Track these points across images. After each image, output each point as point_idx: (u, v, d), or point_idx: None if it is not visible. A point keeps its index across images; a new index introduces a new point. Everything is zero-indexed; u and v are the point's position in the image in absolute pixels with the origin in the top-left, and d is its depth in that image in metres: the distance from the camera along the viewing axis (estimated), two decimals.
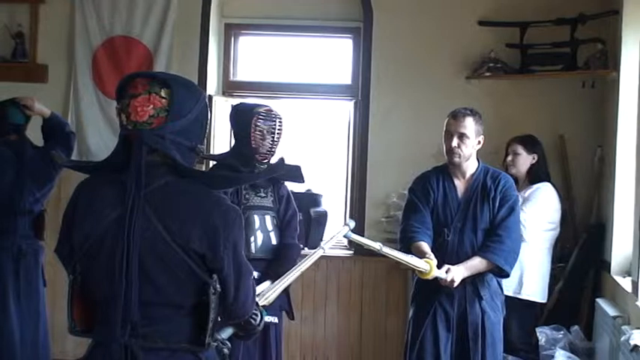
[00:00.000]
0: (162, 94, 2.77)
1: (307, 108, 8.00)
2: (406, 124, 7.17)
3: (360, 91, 7.36)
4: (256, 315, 3.13)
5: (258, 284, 3.42)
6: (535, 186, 6.26)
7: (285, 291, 4.72)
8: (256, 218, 5.25)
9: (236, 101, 7.34)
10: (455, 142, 4.97)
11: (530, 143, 6.41)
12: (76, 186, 2.93)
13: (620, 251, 6.03)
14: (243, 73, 7.87)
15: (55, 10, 7.53)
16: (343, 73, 7.67)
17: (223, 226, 2.76)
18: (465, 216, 5.01)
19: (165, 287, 2.72)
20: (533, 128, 6.71)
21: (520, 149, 6.37)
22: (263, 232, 5.28)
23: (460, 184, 5.10)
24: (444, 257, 4.86)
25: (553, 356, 5.81)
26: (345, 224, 4.81)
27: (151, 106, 2.75)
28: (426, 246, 4.89)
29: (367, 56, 7.30)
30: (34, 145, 6.15)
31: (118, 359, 2.71)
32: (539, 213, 6.10)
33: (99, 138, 7.36)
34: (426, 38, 7.20)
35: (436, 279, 4.76)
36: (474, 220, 4.99)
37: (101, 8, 7.43)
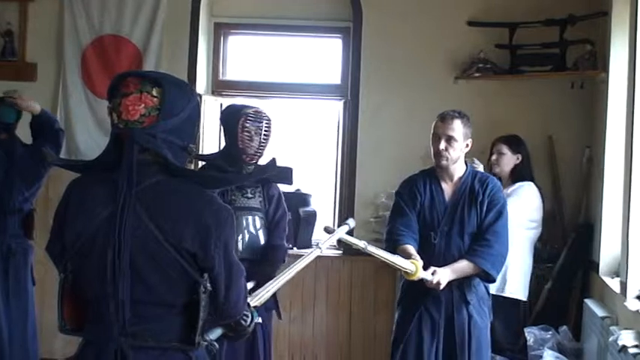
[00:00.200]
0: (154, 93, 2.77)
1: (297, 108, 7.99)
2: (395, 124, 7.17)
3: (350, 90, 7.36)
4: (247, 316, 3.13)
5: None
6: (518, 184, 6.30)
7: None
8: (242, 219, 5.25)
9: (225, 101, 7.40)
10: (442, 144, 4.90)
11: (515, 143, 6.45)
12: (67, 185, 2.93)
13: (608, 252, 6.05)
14: (232, 72, 7.86)
15: (44, 9, 7.51)
16: (333, 73, 7.67)
17: (215, 225, 2.76)
18: (452, 219, 4.95)
19: (156, 286, 2.72)
20: (522, 129, 6.73)
21: (505, 149, 6.41)
22: (249, 232, 5.28)
23: (447, 188, 5.04)
24: (431, 261, 4.79)
25: (541, 356, 5.82)
26: (345, 223, 4.82)
27: (143, 105, 2.75)
28: (411, 248, 4.84)
29: (357, 56, 7.30)
30: (24, 143, 6.13)
31: (108, 358, 2.72)
32: (520, 210, 6.10)
33: (87, 136, 7.35)
34: (416, 38, 7.20)
35: (422, 281, 4.70)
36: (461, 224, 4.93)
37: (90, 7, 7.41)
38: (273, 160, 5.16)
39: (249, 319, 3.15)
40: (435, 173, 5.08)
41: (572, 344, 6.10)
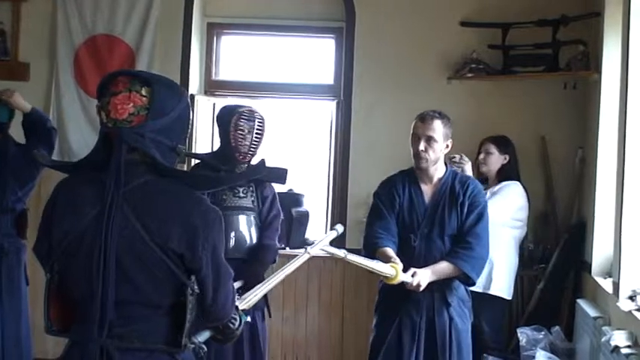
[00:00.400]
0: (143, 92, 2.76)
1: (289, 108, 7.99)
2: (388, 124, 7.16)
3: (343, 91, 7.36)
4: (235, 319, 3.11)
5: None
6: (504, 183, 6.32)
7: None
8: (233, 218, 5.26)
9: (218, 101, 7.42)
10: (422, 145, 4.82)
11: (503, 144, 6.47)
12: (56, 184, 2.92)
13: (600, 252, 6.05)
14: (225, 72, 7.86)
15: (37, 8, 7.50)
16: (326, 73, 7.67)
17: (203, 226, 2.75)
18: (432, 222, 4.87)
19: (143, 286, 2.71)
20: (515, 129, 6.74)
21: (493, 149, 6.43)
22: (239, 232, 5.30)
23: (427, 189, 4.96)
24: (411, 263, 4.71)
25: (534, 357, 5.82)
26: (334, 229, 4.80)
27: (131, 104, 2.75)
28: (390, 251, 4.75)
29: (350, 56, 7.30)
30: (17, 142, 6.12)
31: (93, 359, 2.70)
32: (505, 209, 6.14)
33: (80, 136, 7.33)
34: (409, 39, 7.20)
35: (402, 284, 4.62)
36: (442, 226, 4.85)
37: (83, 6, 7.40)
38: (263, 161, 5.17)
39: (237, 322, 3.13)
40: (414, 174, 5.01)
41: (565, 344, 6.10)
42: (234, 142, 5.23)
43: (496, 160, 6.41)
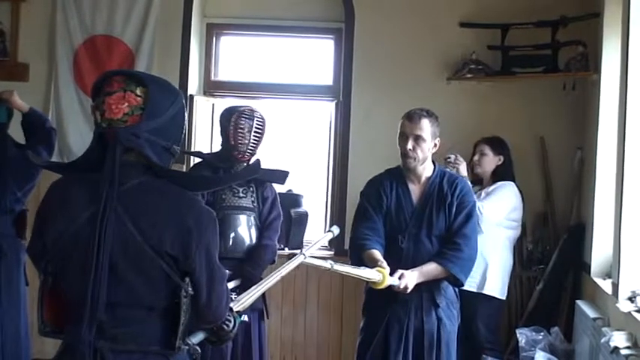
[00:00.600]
0: (138, 92, 2.76)
1: (289, 108, 7.98)
2: (387, 125, 7.07)
3: (342, 91, 7.36)
4: (229, 321, 3.10)
5: (227, 282, 3.39)
6: (499, 183, 6.32)
7: None
8: (233, 218, 5.27)
9: (217, 101, 7.45)
10: (410, 144, 4.76)
11: (497, 145, 6.46)
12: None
13: (599, 253, 6.05)
14: (224, 72, 7.85)
15: (37, 9, 7.51)
16: (325, 74, 7.67)
17: (196, 227, 2.74)
18: (420, 222, 4.81)
19: (136, 288, 2.70)
20: (514, 130, 6.75)
21: (487, 150, 6.42)
22: (237, 231, 5.31)
23: (415, 189, 4.90)
24: (399, 264, 4.65)
25: (533, 357, 5.83)
26: (329, 230, 4.79)
27: (126, 103, 2.74)
28: (377, 253, 4.68)
29: (349, 57, 7.30)
30: (17, 143, 6.11)
31: None
32: (499, 209, 6.14)
33: (79, 137, 7.32)
34: (408, 39, 7.20)
35: (390, 286, 4.55)
36: (430, 227, 4.79)
37: (82, 7, 7.41)
38: (258, 162, 5.17)
39: (231, 324, 3.11)
40: (402, 173, 4.95)
41: (564, 345, 6.10)
42: (234, 140, 5.26)
43: (490, 161, 6.40)
